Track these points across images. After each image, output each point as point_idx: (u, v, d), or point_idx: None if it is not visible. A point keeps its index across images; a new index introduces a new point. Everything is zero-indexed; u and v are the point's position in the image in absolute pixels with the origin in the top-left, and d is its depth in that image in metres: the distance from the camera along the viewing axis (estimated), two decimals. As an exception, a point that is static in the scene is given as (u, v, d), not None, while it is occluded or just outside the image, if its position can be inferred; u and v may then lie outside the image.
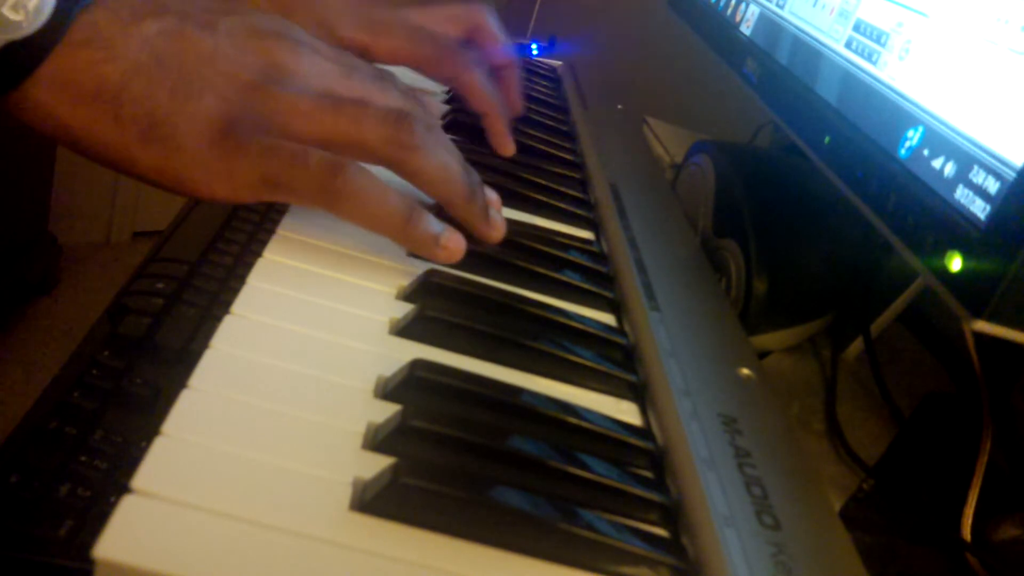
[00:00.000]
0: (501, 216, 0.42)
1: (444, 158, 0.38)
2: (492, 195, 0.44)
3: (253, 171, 0.34)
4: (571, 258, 0.44)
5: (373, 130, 0.37)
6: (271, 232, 0.38)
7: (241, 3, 0.39)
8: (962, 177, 0.36)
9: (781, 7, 0.59)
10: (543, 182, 0.52)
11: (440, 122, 0.40)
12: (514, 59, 0.59)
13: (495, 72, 0.58)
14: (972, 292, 0.32)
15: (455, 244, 0.39)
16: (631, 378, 0.37)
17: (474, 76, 0.52)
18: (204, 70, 0.34)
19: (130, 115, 0.33)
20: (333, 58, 0.39)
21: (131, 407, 0.37)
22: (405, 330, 0.35)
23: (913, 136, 0.40)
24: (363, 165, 0.36)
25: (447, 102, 0.58)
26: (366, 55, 0.53)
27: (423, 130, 0.37)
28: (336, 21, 0.52)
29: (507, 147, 0.55)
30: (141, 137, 0.33)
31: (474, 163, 0.51)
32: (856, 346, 0.56)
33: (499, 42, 0.59)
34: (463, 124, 0.55)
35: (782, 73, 0.55)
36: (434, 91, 0.62)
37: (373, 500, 0.26)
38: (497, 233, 0.42)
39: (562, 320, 0.38)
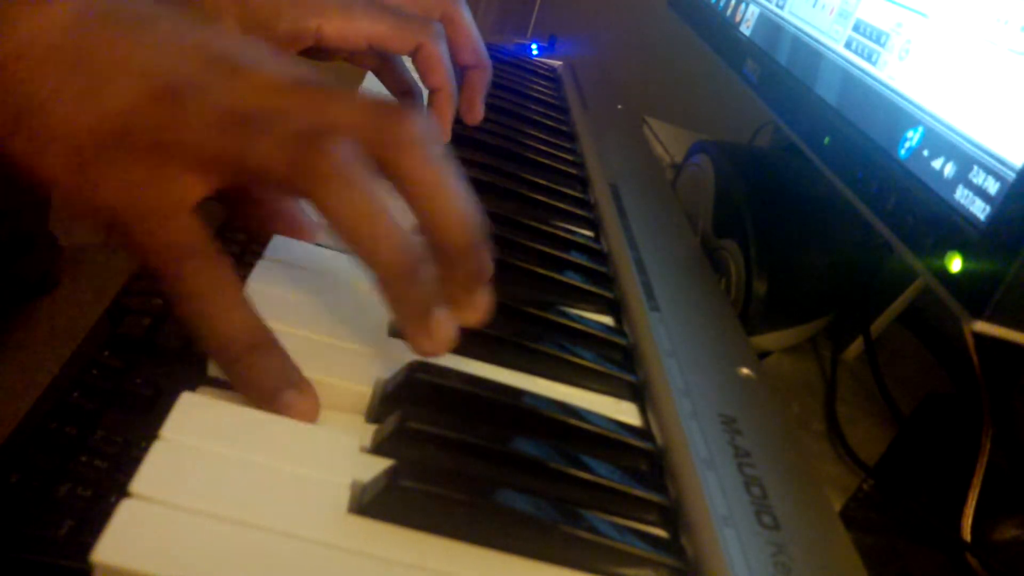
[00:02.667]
0: (448, 327, 0.30)
1: (369, 206, 0.27)
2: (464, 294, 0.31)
3: (117, 194, 0.29)
4: (571, 258, 0.44)
5: (269, 149, 0.27)
6: (270, 233, 0.38)
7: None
8: (962, 177, 0.36)
9: (781, 7, 0.59)
10: (543, 182, 0.52)
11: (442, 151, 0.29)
12: (485, 59, 0.54)
13: (461, 71, 0.54)
14: (972, 292, 0.32)
15: (299, 406, 0.29)
16: (631, 378, 0.37)
17: (437, 48, 0.48)
18: (111, 67, 0.29)
19: (3, 96, 0.29)
20: (279, 75, 0.30)
21: (131, 407, 0.37)
22: (404, 331, 0.35)
23: (913, 136, 0.40)
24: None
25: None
26: (319, 41, 0.48)
27: (349, 158, 0.27)
28: (272, 13, 0.45)
29: (445, 132, 0.50)
30: (10, 121, 0.29)
31: (473, 163, 0.51)
32: (856, 346, 0.56)
33: (471, 38, 0.53)
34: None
35: (782, 73, 0.55)
36: None
37: (371, 502, 0.26)
38: (432, 346, 0.30)
39: (562, 321, 0.38)
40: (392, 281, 0.28)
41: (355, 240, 0.28)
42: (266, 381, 0.29)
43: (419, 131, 0.29)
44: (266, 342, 0.29)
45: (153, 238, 0.28)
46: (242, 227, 0.48)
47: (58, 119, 0.28)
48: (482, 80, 0.54)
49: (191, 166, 0.28)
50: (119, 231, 0.29)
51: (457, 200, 0.29)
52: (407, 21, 0.48)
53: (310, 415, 0.29)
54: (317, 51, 0.51)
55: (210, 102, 0.29)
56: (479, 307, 0.31)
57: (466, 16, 0.53)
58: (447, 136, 0.52)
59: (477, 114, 0.55)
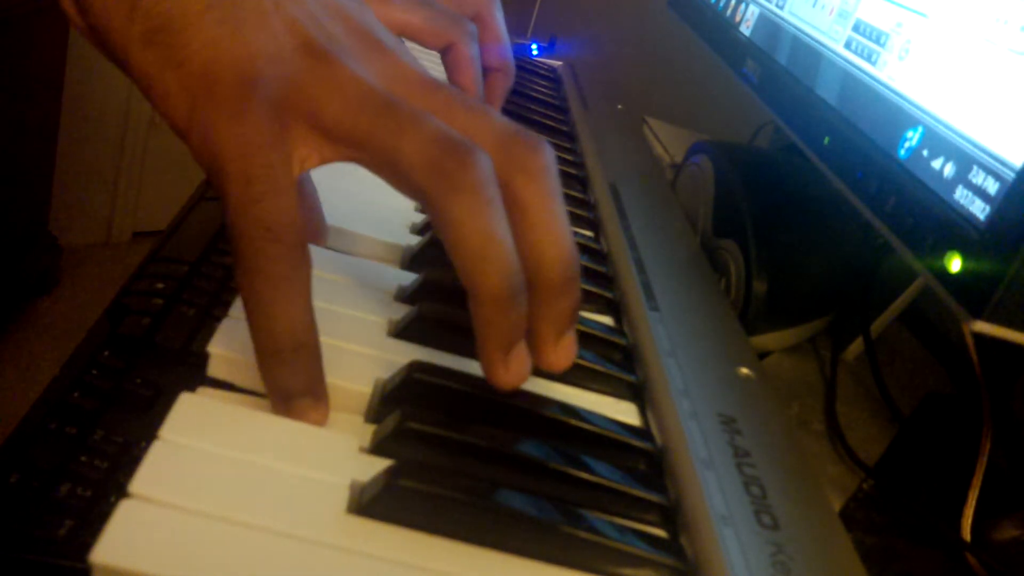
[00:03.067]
0: (526, 364, 0.30)
1: (494, 227, 0.27)
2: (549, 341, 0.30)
3: (233, 143, 0.27)
4: (571, 258, 0.44)
5: (415, 146, 0.27)
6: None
7: None
8: (961, 178, 0.36)
9: (781, 7, 0.59)
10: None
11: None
12: (510, 64, 0.54)
13: (485, 72, 0.53)
14: (971, 292, 0.32)
15: (312, 413, 0.29)
16: (630, 378, 0.37)
17: (468, 49, 0.47)
18: (267, 5, 0.28)
19: (147, 8, 0.27)
20: (419, 70, 0.30)
21: (131, 407, 0.37)
22: (403, 332, 0.35)
23: (912, 136, 0.40)
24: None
25: None
26: None
27: (488, 177, 0.27)
28: None
29: None
30: (144, 36, 0.27)
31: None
32: (856, 346, 0.56)
33: (500, 41, 0.53)
34: None
35: (782, 73, 0.55)
36: None
37: (371, 502, 0.26)
38: (507, 378, 0.30)
39: (561, 320, 0.38)
40: (490, 305, 0.28)
41: (468, 256, 0.27)
42: (293, 383, 0.28)
43: (549, 163, 0.29)
44: (312, 346, 0.28)
45: (252, 209, 0.26)
46: None
47: (197, 44, 0.27)
48: (504, 85, 0.54)
49: (319, 134, 0.28)
50: (216, 184, 0.27)
51: (567, 237, 0.29)
52: (443, 16, 0.48)
53: (317, 425, 0.29)
54: None
55: (359, 75, 0.28)
56: (565, 350, 0.31)
57: (499, 18, 0.52)
58: None
59: None
